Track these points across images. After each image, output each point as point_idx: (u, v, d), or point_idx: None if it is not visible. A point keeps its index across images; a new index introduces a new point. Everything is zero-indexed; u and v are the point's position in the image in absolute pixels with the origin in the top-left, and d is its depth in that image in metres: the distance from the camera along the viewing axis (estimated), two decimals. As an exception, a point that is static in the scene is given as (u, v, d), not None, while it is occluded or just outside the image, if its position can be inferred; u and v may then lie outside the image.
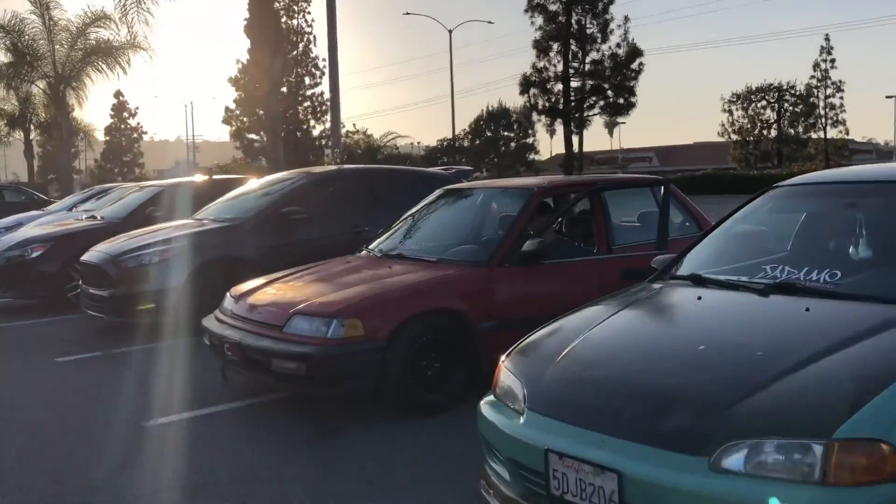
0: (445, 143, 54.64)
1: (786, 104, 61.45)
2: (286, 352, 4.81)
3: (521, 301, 5.35)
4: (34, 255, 9.98)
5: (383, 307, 4.94)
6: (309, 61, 55.49)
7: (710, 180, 41.89)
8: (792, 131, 60.98)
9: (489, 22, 55.12)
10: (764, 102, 62.13)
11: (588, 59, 46.93)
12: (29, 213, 17.45)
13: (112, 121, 71.17)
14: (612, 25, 45.87)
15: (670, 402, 2.71)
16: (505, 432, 3.09)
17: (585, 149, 47.32)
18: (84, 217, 11.56)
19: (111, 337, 7.93)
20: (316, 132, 58.03)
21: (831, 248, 3.88)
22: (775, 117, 61.83)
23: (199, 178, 12.06)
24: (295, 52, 50.61)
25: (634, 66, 46.39)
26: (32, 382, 6.62)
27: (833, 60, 57.68)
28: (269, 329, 5.07)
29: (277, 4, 19.12)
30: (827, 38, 57.73)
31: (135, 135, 73.64)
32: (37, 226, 12.99)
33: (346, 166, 10.66)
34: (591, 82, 46.96)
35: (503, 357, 3.52)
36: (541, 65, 47.09)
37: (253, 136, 60.38)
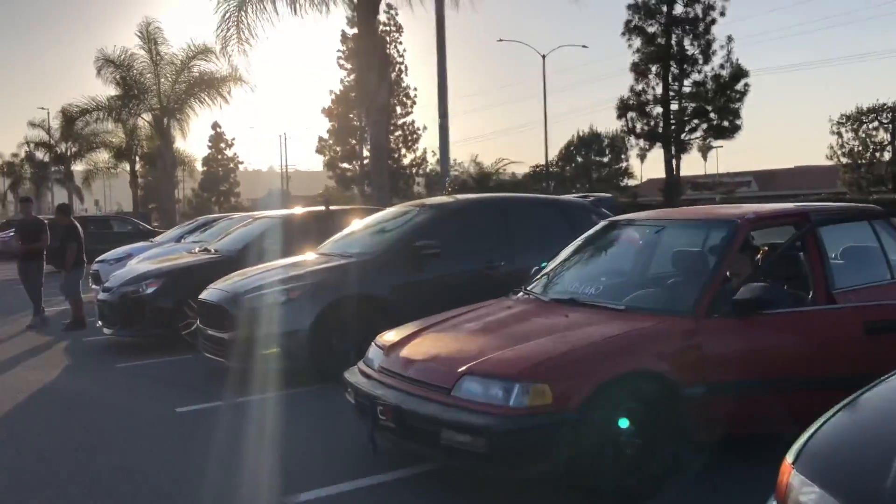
0: (539, 170, 53.66)
1: (901, 125, 58.15)
2: (460, 423, 3.97)
3: (735, 361, 4.39)
4: (149, 290, 9.53)
5: (575, 369, 4.06)
6: (401, 91, 55.75)
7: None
8: (909, 154, 57.62)
9: (584, 46, 54.11)
10: (876, 123, 59.03)
11: (689, 81, 45.47)
12: (137, 244, 17.36)
13: (209, 151, 72.95)
14: (715, 46, 44.35)
15: None
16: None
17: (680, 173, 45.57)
18: (197, 250, 11.11)
19: (232, 383, 7.28)
20: (406, 161, 58.19)
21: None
22: (889, 139, 58.59)
23: (300, 209, 11.46)
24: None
25: (739, 87, 44.68)
26: (155, 438, 5.99)
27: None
28: (434, 391, 4.25)
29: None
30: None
31: (231, 165, 75.28)
32: (147, 259, 12.68)
33: (479, 195, 9.89)
34: (692, 105, 45.45)
35: (789, 457, 2.60)
36: (639, 88, 46.01)
37: (346, 165, 61.09)
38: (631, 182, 63.12)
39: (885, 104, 58.41)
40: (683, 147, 45.71)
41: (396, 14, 51.19)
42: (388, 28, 54.49)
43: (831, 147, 60.12)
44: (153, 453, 5.56)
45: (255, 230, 10.59)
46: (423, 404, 4.22)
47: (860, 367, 4.06)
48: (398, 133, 57.21)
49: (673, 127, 44.61)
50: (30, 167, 60.67)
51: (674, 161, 45.23)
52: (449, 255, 7.69)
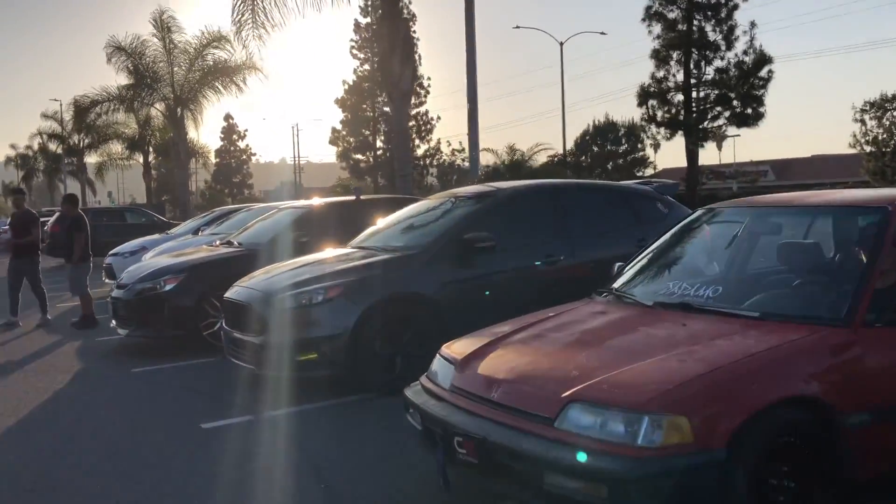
0: (556, 159, 52.64)
1: (927, 112, 56.91)
2: (572, 466, 3.12)
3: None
4: (167, 287, 8.71)
5: (718, 396, 3.20)
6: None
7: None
8: (933, 141, 56.43)
9: (602, 33, 53.03)
10: (901, 110, 57.73)
11: (711, 68, 44.49)
12: (152, 236, 16.60)
13: (222, 143, 72.39)
14: (738, 32, 43.33)
15: None
16: None
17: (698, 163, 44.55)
18: (218, 243, 10.28)
19: (263, 393, 6.46)
20: (420, 151, 57.38)
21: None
22: (914, 126, 57.32)
23: (316, 200, 10.54)
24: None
25: (763, 73, 43.64)
26: (177, 462, 5.17)
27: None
28: (530, 421, 3.40)
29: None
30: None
31: (244, 156, 74.74)
32: (164, 253, 11.88)
33: (532, 181, 9.01)
34: (714, 92, 44.50)
35: None
36: (660, 75, 45.08)
37: (359, 156, 60.32)
38: (647, 172, 62.11)
39: (909, 91, 57.14)
40: (706, 135, 44.75)
41: (410, 2, 50.13)
42: (405, 16, 53.54)
43: (854, 135, 58.87)
44: (176, 482, 4.74)
45: (280, 221, 9.74)
46: (518, 438, 3.37)
47: None
48: (412, 123, 56.36)
49: (694, 115, 43.64)
50: (43, 159, 60.18)
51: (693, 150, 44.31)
52: (502, 248, 6.84)
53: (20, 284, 11.15)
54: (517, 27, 50.46)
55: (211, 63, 30.45)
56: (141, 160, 42.15)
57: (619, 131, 61.82)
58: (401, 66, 17.15)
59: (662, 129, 45.43)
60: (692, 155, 44.46)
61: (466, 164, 61.76)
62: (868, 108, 58.52)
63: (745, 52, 43.34)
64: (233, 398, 6.55)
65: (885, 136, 58.15)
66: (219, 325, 8.19)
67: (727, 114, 43.68)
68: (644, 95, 45.06)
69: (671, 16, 43.48)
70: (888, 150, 57.75)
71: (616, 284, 4.81)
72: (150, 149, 40.89)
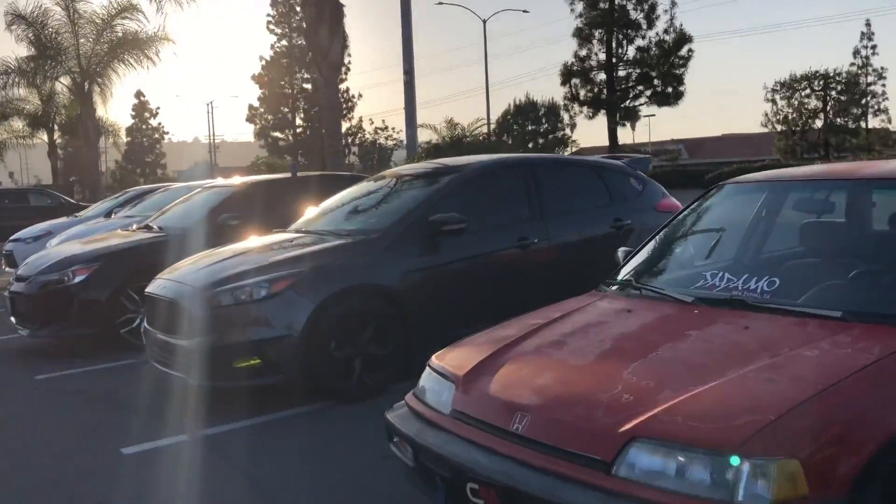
0: (482, 138, 52.04)
1: (832, 92, 58.92)
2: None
3: None
4: (76, 279, 7.55)
5: (831, 429, 2.43)
6: (333, 55, 53.46)
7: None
8: (839, 120, 58.57)
9: (524, 11, 52.55)
10: (808, 91, 59.46)
11: (633, 47, 45.06)
12: (59, 220, 15.13)
13: (133, 121, 69.55)
14: (658, 10, 43.90)
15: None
16: None
17: (607, 142, 44.70)
18: (135, 227, 9.09)
19: (196, 406, 5.44)
20: (342, 129, 56.09)
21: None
22: (821, 106, 59.11)
23: (236, 179, 9.44)
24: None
25: (683, 52, 44.44)
26: (97, 489, 4.17)
27: (874, 47, 56.64)
28: (577, 465, 2.56)
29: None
30: (868, 24, 55.80)
31: (156, 135, 72.13)
32: (73, 238, 10.60)
33: (500, 155, 8.14)
34: (636, 71, 44.97)
35: None
36: (583, 53, 45.52)
37: (278, 133, 58.59)
38: (568, 151, 62.17)
39: (816, 72, 59.01)
40: (628, 114, 44.96)
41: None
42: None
43: (766, 115, 60.44)
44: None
45: (206, 202, 8.63)
46: (563, 489, 2.53)
47: None
48: (334, 100, 54.96)
49: (617, 93, 43.74)
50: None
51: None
52: (471, 231, 6.01)
53: None
54: (440, 3, 49.38)
55: (121, 34, 28.59)
56: (46, 138, 39.46)
57: (540, 111, 61.76)
58: (330, 36, 16.21)
59: (585, 108, 45.68)
60: (615, 134, 44.73)
61: (389, 142, 60.48)
62: (779, 87, 60.22)
63: (665, 31, 44.04)
64: (159, 411, 5.51)
65: (794, 115, 59.92)
66: (139, 323, 7.14)
67: (648, 93, 44.16)
68: (567, 74, 45.28)
69: (594, -7, 43.77)
70: (797, 129, 59.51)
71: (628, 275, 4.01)
72: (56, 127, 38.31)
